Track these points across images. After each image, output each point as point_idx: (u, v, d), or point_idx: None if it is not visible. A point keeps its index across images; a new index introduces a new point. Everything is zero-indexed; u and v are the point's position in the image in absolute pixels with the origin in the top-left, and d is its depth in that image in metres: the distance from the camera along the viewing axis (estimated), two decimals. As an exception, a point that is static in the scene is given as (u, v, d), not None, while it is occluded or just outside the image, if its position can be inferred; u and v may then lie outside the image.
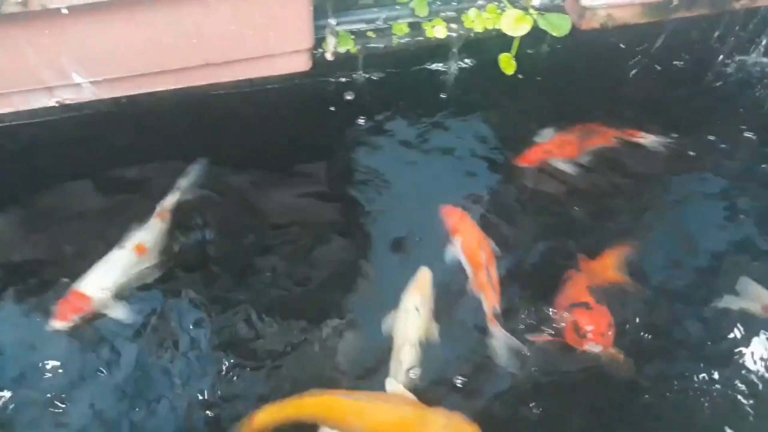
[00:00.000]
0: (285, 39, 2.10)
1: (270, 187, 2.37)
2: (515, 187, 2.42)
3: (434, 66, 2.68)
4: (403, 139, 2.53)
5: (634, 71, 2.58)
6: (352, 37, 2.46)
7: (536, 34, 2.25)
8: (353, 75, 2.61)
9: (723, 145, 2.48)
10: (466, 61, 2.65)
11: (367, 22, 2.49)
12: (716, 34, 2.60)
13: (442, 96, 2.65)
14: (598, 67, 2.54)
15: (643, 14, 2.34)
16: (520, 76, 2.44)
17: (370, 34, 2.48)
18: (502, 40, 2.33)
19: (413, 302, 2.00)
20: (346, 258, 2.21)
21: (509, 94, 2.58)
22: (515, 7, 2.38)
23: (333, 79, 2.61)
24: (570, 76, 2.58)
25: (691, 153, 2.46)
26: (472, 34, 2.48)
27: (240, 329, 2.00)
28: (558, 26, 2.20)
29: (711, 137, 2.49)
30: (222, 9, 1.93)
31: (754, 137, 2.52)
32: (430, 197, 2.31)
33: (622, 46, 2.52)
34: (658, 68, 2.58)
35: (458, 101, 2.64)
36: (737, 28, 2.54)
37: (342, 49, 2.41)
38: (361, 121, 2.56)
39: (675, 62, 2.63)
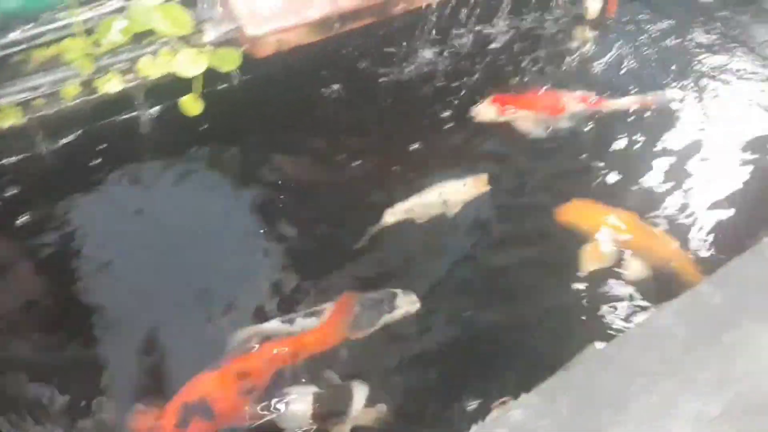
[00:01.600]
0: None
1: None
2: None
3: (125, 117, 2.53)
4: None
5: (319, 88, 2.69)
6: (18, 108, 2.25)
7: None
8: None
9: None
10: (156, 108, 2.55)
11: (32, 89, 2.28)
12: (391, 37, 2.81)
13: (139, 145, 2.53)
14: (285, 90, 2.61)
15: (311, 34, 2.48)
16: (213, 112, 2.42)
17: (38, 102, 2.29)
18: (189, 81, 2.30)
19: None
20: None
21: (201, 134, 2.52)
22: (191, 45, 2.36)
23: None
24: (258, 106, 2.58)
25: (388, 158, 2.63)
26: (153, 81, 2.40)
27: None
28: (227, 61, 2.23)
29: (404, 134, 2.66)
30: None
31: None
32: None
33: (305, 65, 2.62)
34: (343, 79, 2.72)
35: (156, 149, 2.53)
36: (407, 28, 2.79)
37: (6, 124, 2.18)
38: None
39: (358, 70, 2.79)
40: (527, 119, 2.66)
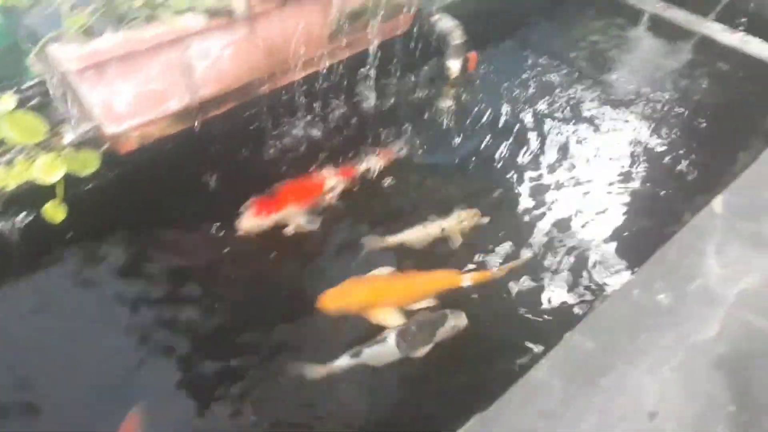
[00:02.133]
0: None
1: None
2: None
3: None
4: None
5: (186, 176, 2.62)
6: None
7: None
8: None
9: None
10: (21, 216, 2.43)
11: None
12: (258, 117, 2.81)
13: (5, 256, 2.39)
14: (151, 183, 2.52)
15: (173, 125, 2.45)
16: (79, 214, 2.33)
17: None
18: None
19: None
20: None
21: (69, 239, 2.42)
22: (49, 149, 2.27)
23: None
24: (126, 202, 2.48)
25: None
26: (12, 191, 2.29)
27: None
28: (86, 164, 2.16)
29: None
30: None
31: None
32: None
33: (171, 156, 2.56)
34: (210, 166, 2.66)
35: (24, 258, 2.40)
36: (275, 107, 2.80)
37: None
38: None
39: (224, 154, 2.73)
40: (295, 215, 2.50)
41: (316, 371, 2.07)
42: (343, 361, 2.09)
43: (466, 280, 2.35)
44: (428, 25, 2.99)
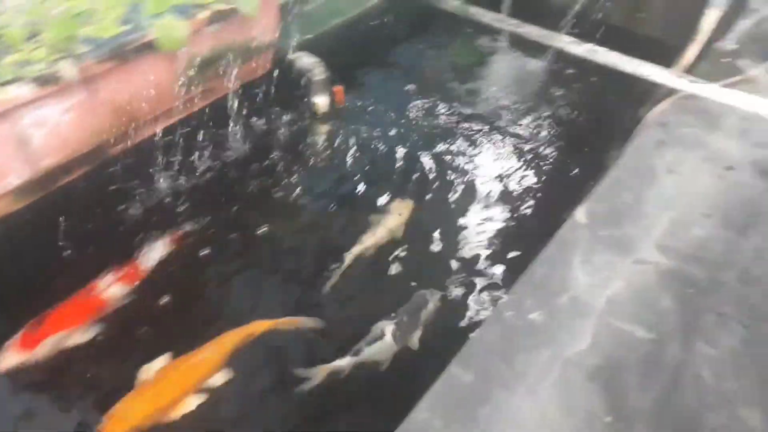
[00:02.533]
0: None
1: None
2: None
3: None
4: None
5: (38, 250, 2.44)
6: None
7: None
8: None
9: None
10: None
11: None
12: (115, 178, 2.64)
13: None
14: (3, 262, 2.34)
15: (18, 200, 2.27)
16: None
17: None
18: None
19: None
20: None
21: None
22: None
23: None
24: None
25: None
26: None
27: None
28: None
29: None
30: None
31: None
32: None
33: (21, 231, 2.37)
34: (60, 235, 2.47)
35: None
36: (132, 166, 2.65)
37: None
38: None
39: (76, 222, 2.55)
40: (71, 338, 2.17)
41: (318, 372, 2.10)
42: (345, 361, 2.12)
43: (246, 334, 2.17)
44: (289, 64, 2.95)
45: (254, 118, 2.99)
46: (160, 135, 2.60)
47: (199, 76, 2.55)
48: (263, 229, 2.65)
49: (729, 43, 3.02)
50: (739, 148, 2.57)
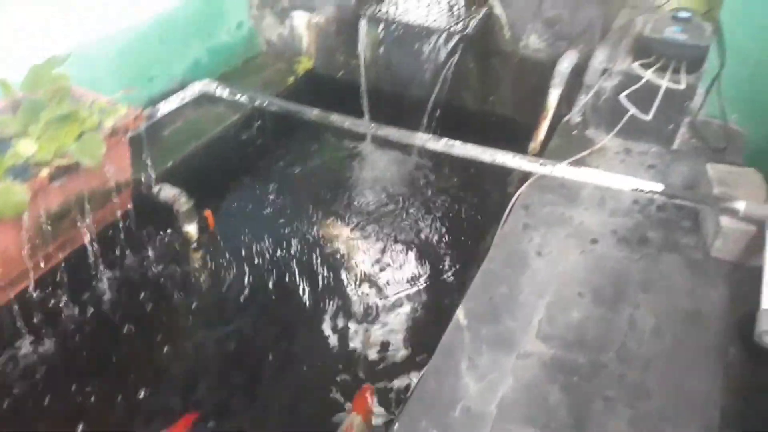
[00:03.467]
0: None
1: None
2: None
3: None
4: None
5: None
6: None
7: None
8: None
9: None
10: None
11: None
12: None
13: None
14: None
15: None
16: None
17: None
18: None
19: None
20: None
21: None
22: None
23: None
24: None
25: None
26: None
27: None
28: None
29: None
30: None
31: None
32: None
33: None
34: None
35: None
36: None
37: None
38: None
39: None
40: None
41: None
42: None
43: None
44: (151, 198, 2.85)
45: (119, 260, 2.85)
46: (15, 301, 2.42)
47: (51, 232, 2.41)
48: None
49: (575, 116, 3.22)
50: (598, 220, 2.70)
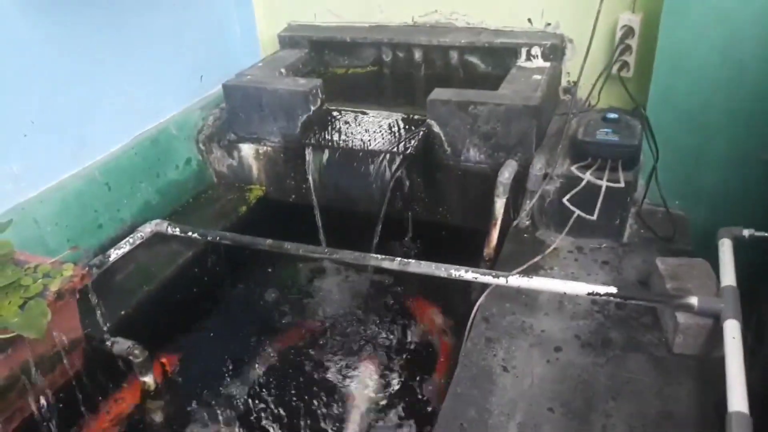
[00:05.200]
0: None
1: None
2: None
3: None
4: None
5: None
6: None
7: None
8: None
9: None
10: None
11: None
12: None
13: None
14: None
15: None
16: None
17: None
18: None
19: None
20: None
21: None
22: None
23: None
24: None
25: None
26: None
27: None
28: None
29: None
30: None
31: None
32: None
33: None
34: None
35: None
36: None
37: None
38: None
39: None
40: None
41: None
42: None
43: None
44: (105, 353, 2.76)
45: (75, 421, 2.72)
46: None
47: (-3, 406, 2.29)
48: None
49: (523, 221, 3.28)
50: (560, 326, 2.69)
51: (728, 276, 2.53)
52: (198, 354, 3.25)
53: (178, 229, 3.41)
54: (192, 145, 3.98)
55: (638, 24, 3.36)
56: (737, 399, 1.96)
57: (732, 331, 2.25)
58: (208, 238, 3.38)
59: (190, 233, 3.39)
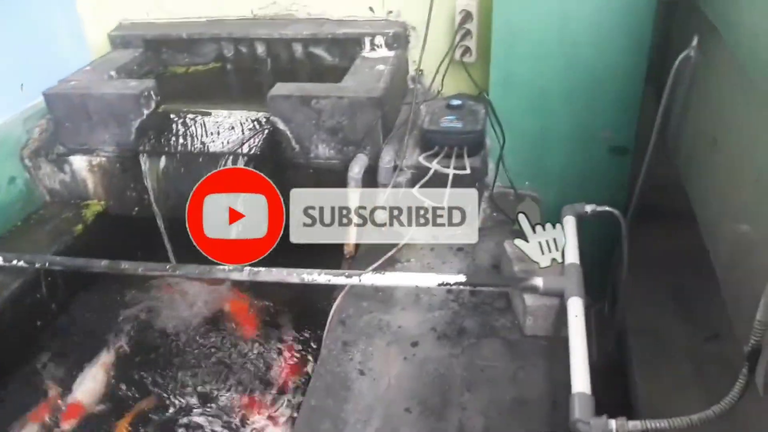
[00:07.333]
0: None
1: None
2: None
3: None
4: None
5: None
6: None
7: None
8: None
9: None
10: None
11: None
12: None
13: None
14: None
15: None
16: None
17: None
18: None
19: None
20: None
21: None
22: None
23: None
24: None
25: None
26: None
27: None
28: None
29: None
30: None
31: None
32: None
33: None
34: None
35: None
36: None
37: None
38: None
39: None
40: None
41: None
42: None
43: None
44: None
45: None
46: None
47: None
48: None
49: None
50: (416, 320, 2.64)
51: (571, 253, 2.56)
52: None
53: (1, 258, 3.04)
54: (16, 162, 3.57)
55: (475, 8, 3.35)
56: (579, 380, 1.97)
57: (575, 309, 2.27)
58: (36, 265, 3.03)
59: (14, 261, 3.03)
